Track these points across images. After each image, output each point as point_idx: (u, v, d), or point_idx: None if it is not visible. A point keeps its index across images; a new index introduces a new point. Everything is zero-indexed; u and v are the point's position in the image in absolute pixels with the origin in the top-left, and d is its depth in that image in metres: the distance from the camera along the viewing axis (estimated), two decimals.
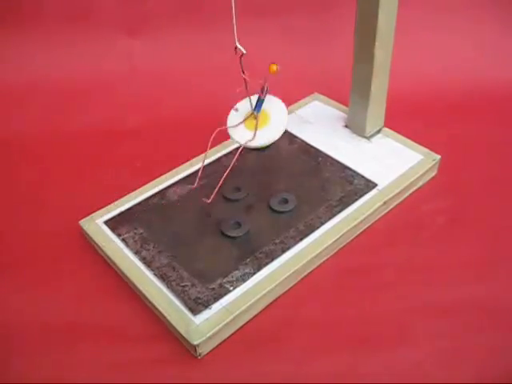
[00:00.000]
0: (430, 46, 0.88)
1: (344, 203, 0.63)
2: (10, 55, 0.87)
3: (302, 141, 0.73)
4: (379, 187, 0.65)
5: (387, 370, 0.50)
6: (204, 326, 0.51)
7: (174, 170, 0.70)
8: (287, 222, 0.61)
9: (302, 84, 0.85)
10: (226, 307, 0.53)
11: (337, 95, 0.81)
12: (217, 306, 0.53)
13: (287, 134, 0.74)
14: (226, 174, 0.58)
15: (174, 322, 0.52)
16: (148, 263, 0.58)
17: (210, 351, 0.52)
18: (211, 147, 0.61)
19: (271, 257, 0.57)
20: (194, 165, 0.70)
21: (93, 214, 0.64)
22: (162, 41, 0.89)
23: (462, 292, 0.56)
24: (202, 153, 0.72)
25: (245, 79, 0.56)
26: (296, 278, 0.58)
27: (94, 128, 0.81)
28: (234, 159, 0.58)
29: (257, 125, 0.58)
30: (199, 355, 0.51)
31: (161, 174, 0.69)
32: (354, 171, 0.67)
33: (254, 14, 0.88)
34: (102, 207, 0.65)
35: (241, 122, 0.59)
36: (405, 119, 0.78)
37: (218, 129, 0.57)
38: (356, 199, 0.64)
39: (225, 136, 0.69)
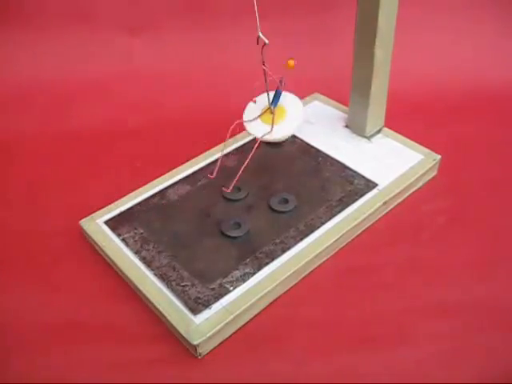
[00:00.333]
0: (430, 46, 0.88)
1: (344, 203, 0.63)
2: (9, 55, 0.87)
3: (302, 141, 0.73)
4: (379, 187, 0.65)
5: (387, 370, 0.50)
6: (204, 325, 0.51)
7: (174, 170, 0.70)
8: (287, 222, 0.61)
9: (302, 84, 0.85)
10: (226, 307, 0.53)
11: (337, 95, 0.81)
12: (217, 306, 0.53)
13: None
14: (246, 163, 0.58)
15: (174, 322, 0.52)
16: (148, 263, 0.58)
17: (210, 351, 0.52)
18: (230, 137, 0.61)
19: (271, 257, 0.57)
20: (194, 165, 0.70)
21: (93, 214, 0.64)
22: (163, 40, 0.89)
23: (462, 292, 0.56)
24: (201, 153, 0.72)
25: (265, 71, 0.56)
26: (296, 278, 0.58)
27: (94, 128, 0.81)
28: (253, 151, 0.58)
29: (273, 119, 0.58)
30: (199, 355, 0.51)
31: (161, 174, 0.69)
32: (354, 171, 0.67)
33: (254, 14, 0.87)
34: (102, 207, 0.65)
35: (258, 116, 0.59)
36: (405, 119, 0.78)
37: (237, 121, 0.57)
38: (356, 199, 0.64)
39: (224, 136, 0.69)
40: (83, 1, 0.86)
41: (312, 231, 0.60)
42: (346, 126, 0.75)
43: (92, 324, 0.55)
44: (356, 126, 0.74)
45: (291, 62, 0.57)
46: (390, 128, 0.74)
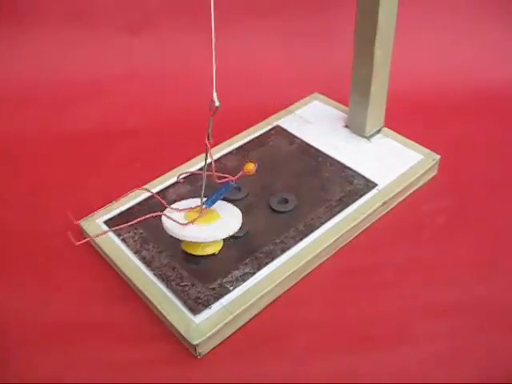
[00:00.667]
0: (430, 46, 0.88)
1: (344, 203, 0.63)
2: (9, 55, 0.87)
3: (302, 141, 0.73)
4: (379, 187, 0.65)
5: (387, 370, 0.50)
6: (204, 325, 0.51)
7: (174, 170, 0.70)
8: (287, 222, 0.61)
9: (302, 84, 0.85)
10: (225, 307, 0.53)
11: (337, 95, 0.81)
12: (217, 306, 0.53)
13: (287, 134, 0.74)
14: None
15: (174, 322, 0.52)
16: (148, 263, 0.58)
17: (210, 351, 0.52)
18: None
19: (271, 257, 0.57)
20: (194, 165, 0.70)
21: (93, 214, 0.64)
22: (162, 40, 0.89)
23: (462, 292, 0.56)
24: (202, 153, 0.72)
25: (207, 148, 0.50)
26: (296, 278, 0.58)
27: (94, 128, 0.81)
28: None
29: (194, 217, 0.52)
30: (199, 355, 0.51)
31: (161, 174, 0.69)
32: (354, 171, 0.67)
33: (254, 14, 0.88)
34: (102, 207, 0.65)
35: (183, 209, 0.54)
36: (405, 119, 0.78)
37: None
38: (356, 199, 0.64)
39: (224, 136, 0.69)
40: (83, 1, 0.86)
41: (312, 231, 0.60)
42: (346, 126, 0.75)
43: (92, 324, 0.55)
44: (356, 126, 0.74)
45: (250, 166, 0.52)
46: (390, 128, 0.74)
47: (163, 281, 0.56)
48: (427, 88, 0.86)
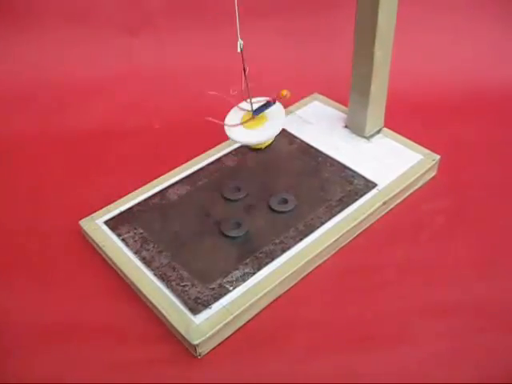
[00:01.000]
0: (430, 46, 0.88)
1: (344, 203, 0.63)
2: (9, 55, 0.87)
3: (302, 141, 0.73)
4: (379, 187, 0.65)
5: (387, 370, 0.50)
6: (204, 325, 0.51)
7: (174, 170, 0.70)
8: (287, 222, 0.61)
9: (302, 84, 0.85)
10: (226, 307, 0.53)
11: (337, 95, 0.81)
12: (217, 306, 0.53)
13: (287, 134, 0.74)
14: None
15: (174, 322, 0.52)
16: (148, 263, 0.58)
17: (210, 351, 0.52)
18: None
19: (271, 257, 0.57)
20: (194, 165, 0.70)
21: (93, 214, 0.64)
22: (162, 40, 0.89)
23: (462, 292, 0.56)
24: (202, 153, 0.72)
25: (245, 75, 0.56)
26: (296, 278, 0.58)
27: (94, 128, 0.81)
28: None
29: (247, 123, 0.58)
30: (199, 355, 0.51)
31: (161, 174, 0.69)
32: (354, 171, 0.67)
33: (255, 14, 0.87)
34: (102, 207, 0.65)
35: (238, 124, 0.59)
36: (405, 119, 0.78)
37: (206, 118, 0.56)
38: (356, 199, 0.64)
39: (224, 136, 0.69)
40: (83, 1, 0.86)
41: (312, 231, 0.60)
42: (346, 127, 0.75)
43: (92, 324, 0.55)
44: (356, 126, 0.74)
45: (284, 92, 0.57)
46: (390, 128, 0.74)
47: (163, 281, 0.56)
48: (427, 88, 0.86)
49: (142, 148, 0.78)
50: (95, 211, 0.64)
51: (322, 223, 0.61)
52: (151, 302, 0.54)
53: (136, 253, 0.59)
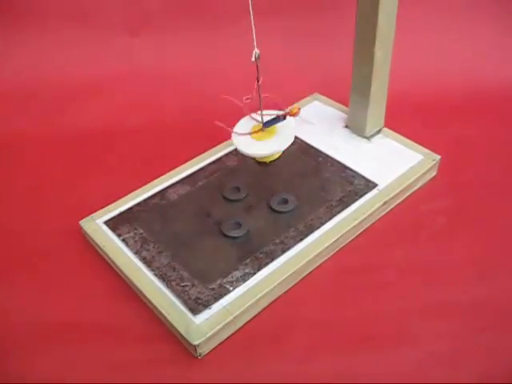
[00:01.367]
0: (430, 45, 0.88)
1: (344, 203, 0.63)
2: (9, 55, 0.87)
3: (302, 141, 0.73)
4: (379, 187, 0.65)
5: (387, 370, 0.50)
6: (204, 325, 0.51)
7: (174, 170, 0.70)
8: (287, 222, 0.61)
9: (302, 84, 0.85)
10: (226, 307, 0.53)
11: (337, 95, 0.81)
12: (217, 306, 0.53)
13: None
14: None
15: (174, 322, 0.52)
16: (148, 263, 0.58)
17: (210, 351, 0.52)
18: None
19: (271, 257, 0.58)
20: (194, 165, 0.70)
21: (93, 214, 0.64)
22: (162, 40, 0.89)
23: (462, 292, 0.56)
24: (202, 153, 0.72)
25: (259, 87, 0.56)
26: (296, 278, 0.58)
27: (94, 128, 0.81)
28: None
29: (255, 134, 0.58)
30: (199, 355, 0.51)
31: (161, 174, 0.69)
32: (354, 171, 0.67)
33: (255, 13, 0.87)
34: (102, 207, 0.65)
35: (247, 133, 0.59)
36: (405, 119, 0.78)
37: (216, 122, 0.57)
38: (356, 199, 0.64)
39: (225, 136, 0.69)
40: (83, 1, 0.86)
41: (312, 231, 0.60)
42: (346, 127, 0.75)
43: (92, 324, 0.55)
44: (356, 127, 0.74)
45: (295, 110, 0.58)
46: (390, 128, 0.74)
47: (163, 281, 0.56)
48: (427, 88, 0.86)
49: (142, 148, 0.78)
50: (95, 211, 0.64)
51: (322, 223, 0.61)
52: (151, 302, 0.54)
53: (136, 253, 0.59)
